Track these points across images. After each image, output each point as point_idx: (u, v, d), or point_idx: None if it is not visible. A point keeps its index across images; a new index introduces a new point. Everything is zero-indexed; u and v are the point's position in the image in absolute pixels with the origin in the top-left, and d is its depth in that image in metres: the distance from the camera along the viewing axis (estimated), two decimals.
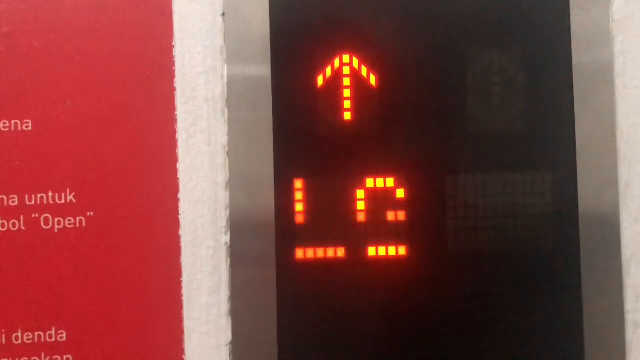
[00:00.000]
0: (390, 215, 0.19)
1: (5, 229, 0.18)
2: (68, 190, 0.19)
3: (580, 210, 0.19)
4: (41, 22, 0.18)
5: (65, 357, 0.19)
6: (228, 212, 0.19)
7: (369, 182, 0.19)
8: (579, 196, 0.19)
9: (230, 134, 0.19)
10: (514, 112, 0.20)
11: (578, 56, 0.19)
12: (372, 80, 0.19)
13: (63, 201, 0.19)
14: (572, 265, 0.19)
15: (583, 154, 0.19)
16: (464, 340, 0.19)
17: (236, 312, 0.19)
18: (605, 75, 0.19)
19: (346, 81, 0.19)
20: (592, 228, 0.19)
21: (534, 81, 0.19)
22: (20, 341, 0.18)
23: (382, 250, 0.19)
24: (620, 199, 0.20)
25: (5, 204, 0.18)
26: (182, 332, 0.19)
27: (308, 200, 0.19)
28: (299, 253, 0.19)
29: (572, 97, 0.19)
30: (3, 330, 0.18)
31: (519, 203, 0.19)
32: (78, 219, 0.19)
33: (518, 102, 0.20)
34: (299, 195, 0.19)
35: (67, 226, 0.19)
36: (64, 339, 0.19)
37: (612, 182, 0.20)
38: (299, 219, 0.19)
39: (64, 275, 0.19)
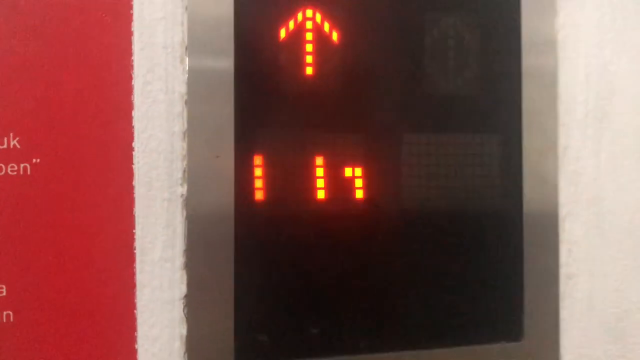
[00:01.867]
0: (348, 172, 0.20)
1: None
2: (11, 135, 0.18)
3: (523, 171, 0.21)
4: None
5: (4, 313, 0.18)
6: (185, 163, 0.18)
7: (327, 137, 0.19)
8: (523, 157, 0.21)
9: (190, 82, 0.18)
10: (466, 76, 0.20)
11: (527, 26, 0.20)
12: (334, 36, 0.19)
13: (5, 146, 0.17)
14: (514, 222, 0.21)
15: (528, 118, 0.21)
16: (412, 293, 0.20)
17: (191, 266, 0.19)
18: (550, 45, 0.21)
19: (308, 36, 0.19)
20: (534, 188, 0.21)
21: (486, 47, 0.20)
22: None
23: (338, 204, 0.19)
24: (559, 161, 0.21)
25: None
26: (134, 286, 0.18)
27: (268, 153, 0.19)
28: (258, 206, 0.19)
29: (520, 65, 0.21)
30: None
31: (468, 163, 0.20)
32: (22, 165, 0.17)
33: (470, 67, 0.21)
34: (259, 148, 0.19)
35: (10, 173, 0.17)
36: (4, 294, 0.18)
37: (552, 145, 0.21)
38: (258, 172, 0.19)
39: (4, 225, 0.18)
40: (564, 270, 0.21)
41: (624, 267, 0.21)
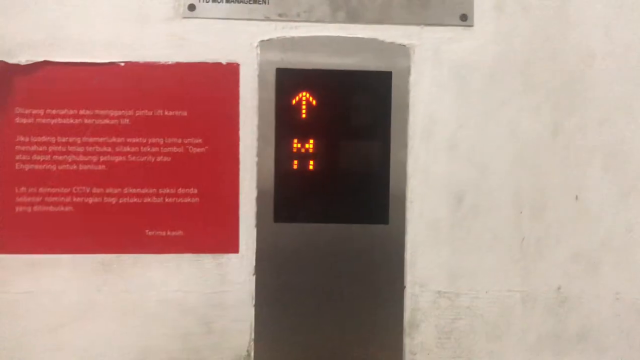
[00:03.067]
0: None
1: None
2: (200, 140, 0.47)
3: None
4: None
5: (193, 199, 0.47)
6: (256, 152, 0.46)
7: (314, 137, 0.46)
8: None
9: (259, 114, 0.46)
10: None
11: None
12: (314, 102, 0.46)
13: (193, 139, 0.47)
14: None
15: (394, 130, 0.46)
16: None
17: (258, 186, 0.47)
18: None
19: (304, 100, 0.46)
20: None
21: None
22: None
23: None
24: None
25: None
26: (238, 188, 0.47)
27: (283, 144, 0.46)
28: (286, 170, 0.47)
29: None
30: None
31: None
32: (203, 148, 0.47)
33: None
34: (284, 141, 0.46)
35: (191, 151, 0.47)
36: (196, 191, 0.47)
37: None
38: (289, 151, 0.46)
39: (197, 171, 0.47)
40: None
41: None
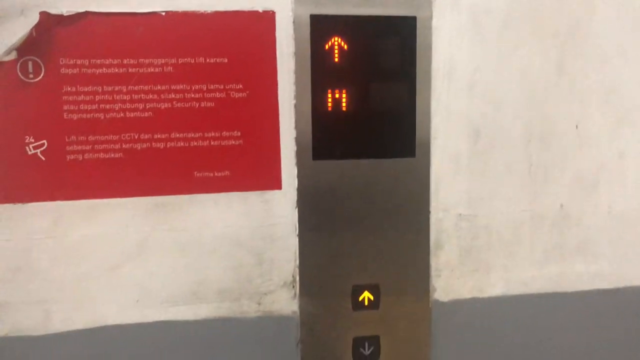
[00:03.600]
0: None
1: None
2: (241, 85, 0.49)
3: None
4: None
5: (237, 142, 0.50)
6: (294, 96, 0.49)
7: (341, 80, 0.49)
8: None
9: (296, 65, 0.49)
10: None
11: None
12: (345, 46, 0.49)
13: (235, 86, 0.49)
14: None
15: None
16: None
17: (297, 127, 0.50)
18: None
19: (336, 45, 0.49)
20: None
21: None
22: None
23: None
24: None
25: None
26: (278, 120, 0.50)
27: (318, 92, 0.49)
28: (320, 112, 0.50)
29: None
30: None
31: None
32: (245, 93, 0.49)
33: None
34: (320, 88, 0.49)
35: (233, 96, 0.49)
36: (239, 134, 0.50)
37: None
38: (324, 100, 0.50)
39: (238, 106, 0.50)
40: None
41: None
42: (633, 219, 0.54)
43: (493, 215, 0.52)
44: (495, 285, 0.53)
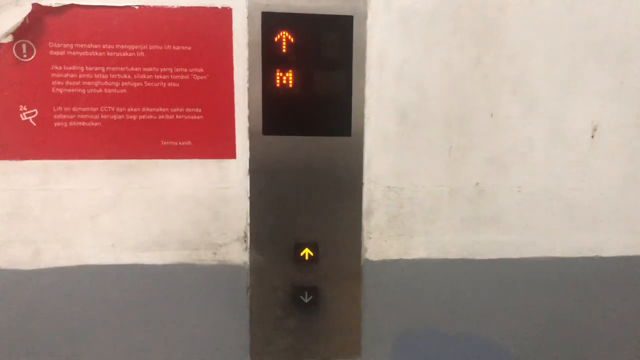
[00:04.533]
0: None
1: None
2: (202, 69, 0.58)
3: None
4: None
5: (198, 117, 0.58)
6: (247, 84, 0.58)
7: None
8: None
9: (249, 57, 0.57)
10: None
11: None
12: (291, 39, 0.56)
13: (197, 69, 0.57)
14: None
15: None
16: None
17: (248, 101, 0.58)
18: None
19: (284, 39, 0.57)
20: None
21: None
22: None
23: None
24: None
25: None
26: (233, 98, 0.59)
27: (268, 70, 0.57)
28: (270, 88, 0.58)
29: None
30: None
31: None
32: (204, 76, 0.58)
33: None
34: (269, 69, 0.57)
35: (196, 79, 0.58)
36: (200, 111, 0.58)
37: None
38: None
39: (201, 89, 0.58)
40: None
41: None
42: (539, 196, 0.62)
43: (416, 188, 0.60)
44: (418, 249, 0.61)
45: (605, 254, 0.64)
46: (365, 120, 0.58)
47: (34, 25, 0.52)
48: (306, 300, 0.60)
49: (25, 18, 0.51)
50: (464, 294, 0.62)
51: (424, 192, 0.60)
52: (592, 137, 0.62)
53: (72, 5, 0.52)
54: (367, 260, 0.60)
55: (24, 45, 0.52)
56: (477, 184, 0.61)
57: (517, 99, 0.60)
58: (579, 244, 0.63)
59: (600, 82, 0.61)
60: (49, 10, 0.52)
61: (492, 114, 0.60)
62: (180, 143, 0.56)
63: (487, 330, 0.64)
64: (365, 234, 0.60)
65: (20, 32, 0.52)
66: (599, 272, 0.64)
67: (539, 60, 0.59)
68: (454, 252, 0.62)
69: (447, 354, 0.63)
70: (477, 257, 0.62)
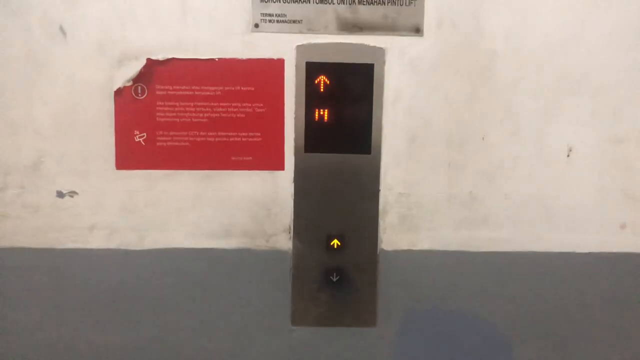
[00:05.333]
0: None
1: None
2: (256, 105, 0.77)
3: None
4: None
5: (257, 135, 0.77)
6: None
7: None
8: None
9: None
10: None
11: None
12: (327, 82, 0.75)
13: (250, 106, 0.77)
14: None
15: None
16: None
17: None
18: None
19: (321, 81, 0.75)
20: None
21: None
22: None
23: None
24: None
25: None
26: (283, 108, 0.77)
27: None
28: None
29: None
30: None
31: None
32: (256, 108, 0.77)
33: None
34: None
35: (253, 110, 0.77)
36: (260, 137, 0.77)
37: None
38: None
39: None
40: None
41: None
42: (524, 203, 0.77)
43: (421, 194, 0.76)
44: (423, 242, 0.78)
45: (580, 250, 0.78)
46: (382, 142, 0.75)
47: (147, 73, 0.73)
48: (334, 280, 0.78)
49: (141, 68, 0.72)
50: (461, 278, 0.78)
51: (427, 198, 0.77)
52: (568, 156, 0.76)
53: (172, 59, 0.73)
54: (382, 250, 0.78)
55: (139, 87, 0.73)
56: (471, 192, 0.77)
57: (504, 125, 0.75)
58: (557, 241, 0.78)
59: (574, 113, 0.75)
60: (157, 62, 0.73)
61: (483, 138, 0.75)
62: (244, 158, 0.76)
63: (479, 308, 0.79)
64: (381, 229, 0.77)
65: (138, 78, 0.73)
66: (574, 265, 0.78)
67: (523, 95, 0.75)
68: (452, 245, 0.78)
69: (447, 327, 0.79)
70: (472, 249, 0.78)
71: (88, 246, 0.75)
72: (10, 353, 0.75)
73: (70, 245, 0.75)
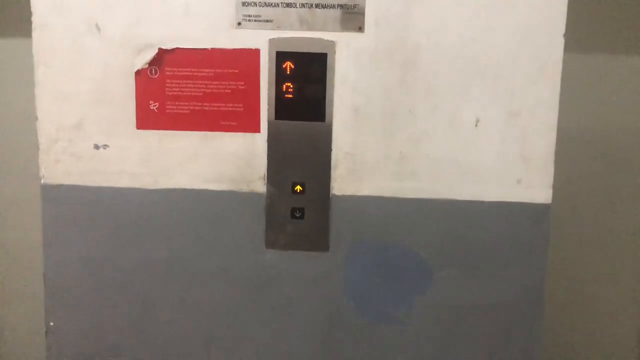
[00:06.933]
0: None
1: None
2: (241, 105, 1.01)
3: None
4: None
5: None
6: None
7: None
8: None
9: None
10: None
11: None
12: (291, 66, 0.98)
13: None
14: None
15: None
16: None
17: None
18: None
19: (288, 67, 0.99)
20: None
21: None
22: None
23: None
24: None
25: None
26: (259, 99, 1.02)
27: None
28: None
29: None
30: None
31: None
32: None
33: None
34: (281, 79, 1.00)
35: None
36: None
37: None
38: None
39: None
40: None
41: None
42: (442, 162, 0.99)
43: (363, 154, 1.00)
44: (365, 189, 1.01)
45: (485, 199, 1.01)
46: (334, 113, 0.99)
47: (159, 59, 0.98)
48: (297, 216, 1.04)
49: (154, 55, 0.97)
50: (394, 218, 1.03)
51: (368, 156, 1.00)
52: (476, 126, 0.99)
53: (177, 48, 0.97)
54: (333, 194, 1.02)
55: (153, 69, 0.98)
56: (401, 152, 1.00)
57: (426, 102, 0.98)
58: (467, 192, 0.99)
59: (481, 92, 0.98)
60: (166, 51, 0.97)
61: (410, 111, 0.99)
62: (231, 123, 1.01)
63: (408, 241, 1.04)
64: (332, 179, 1.01)
65: (152, 62, 0.98)
66: (480, 210, 1.01)
67: (441, 79, 0.97)
68: (387, 192, 1.01)
69: (382, 254, 1.04)
70: (401, 196, 1.01)
71: (117, 185, 1.02)
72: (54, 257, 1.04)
73: (104, 184, 1.02)
